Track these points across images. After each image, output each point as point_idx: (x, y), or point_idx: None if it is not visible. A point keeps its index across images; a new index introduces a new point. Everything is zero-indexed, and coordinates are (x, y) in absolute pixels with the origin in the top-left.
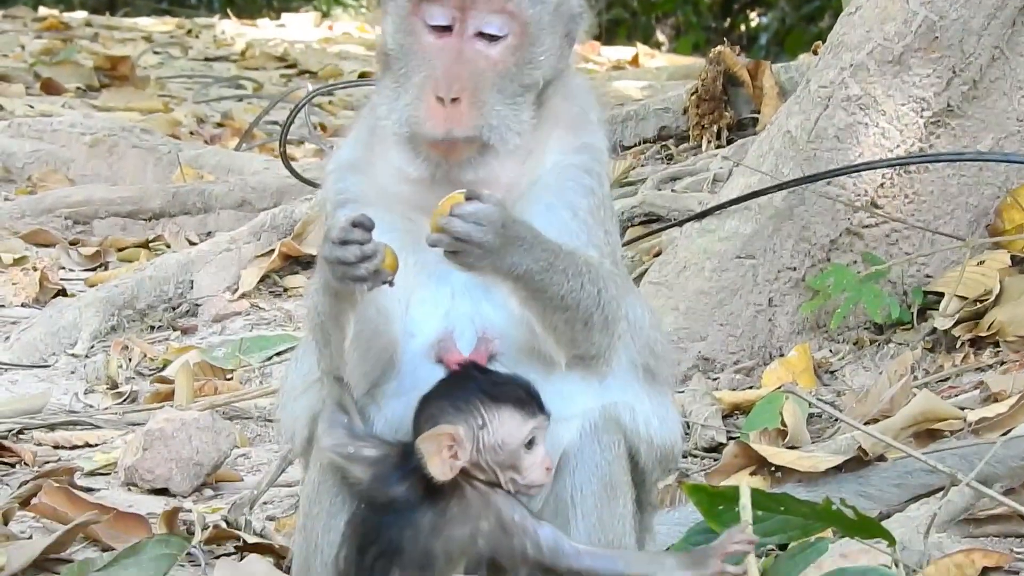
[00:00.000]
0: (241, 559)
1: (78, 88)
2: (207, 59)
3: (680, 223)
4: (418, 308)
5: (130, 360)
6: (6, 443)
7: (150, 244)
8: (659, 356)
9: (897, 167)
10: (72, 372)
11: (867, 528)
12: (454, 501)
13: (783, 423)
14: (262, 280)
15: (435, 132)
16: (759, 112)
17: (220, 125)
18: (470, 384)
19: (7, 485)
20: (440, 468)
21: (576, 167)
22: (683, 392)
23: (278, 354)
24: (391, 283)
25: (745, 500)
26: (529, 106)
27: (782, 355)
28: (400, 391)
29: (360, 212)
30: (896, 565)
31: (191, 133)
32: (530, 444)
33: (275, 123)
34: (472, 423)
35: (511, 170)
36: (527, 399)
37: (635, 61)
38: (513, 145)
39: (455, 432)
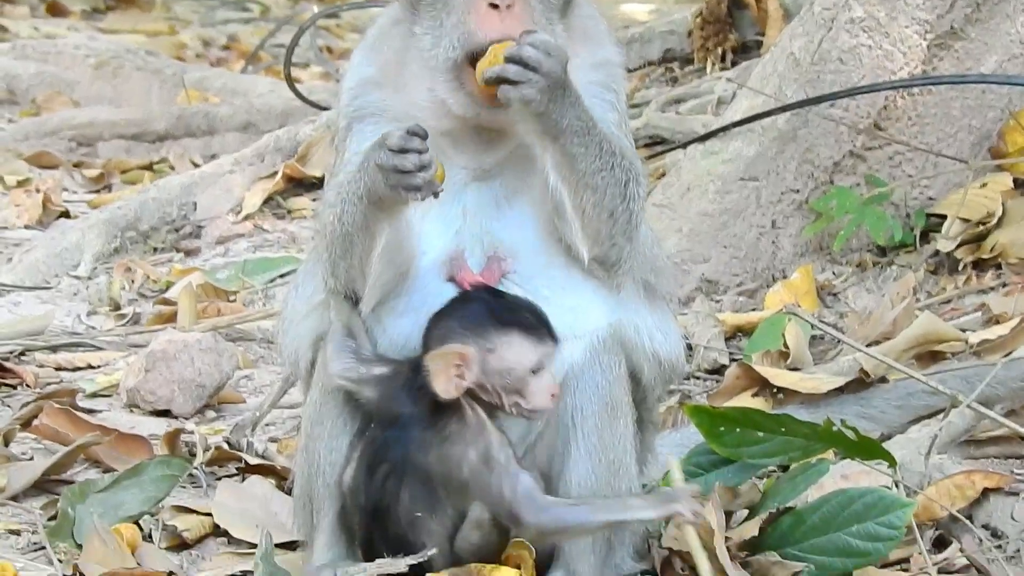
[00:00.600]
0: (243, 480)
1: (83, 10)
2: None
3: (684, 145)
4: (430, 226)
5: (133, 282)
6: (8, 364)
7: (154, 166)
8: (659, 272)
9: (900, 89)
10: (75, 294)
11: (868, 449)
12: (453, 421)
13: (785, 345)
14: (266, 202)
15: (492, 35)
16: (763, 35)
17: (226, 48)
18: (482, 307)
19: (8, 406)
20: (445, 386)
21: (596, 84)
22: (686, 314)
23: (281, 276)
24: (438, 195)
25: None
26: (559, 20)
27: (785, 277)
28: (409, 309)
29: (378, 127)
30: (897, 486)
31: (196, 56)
32: (537, 370)
33: (281, 46)
34: (481, 345)
35: None
36: (537, 325)
37: None
38: None
39: (463, 352)
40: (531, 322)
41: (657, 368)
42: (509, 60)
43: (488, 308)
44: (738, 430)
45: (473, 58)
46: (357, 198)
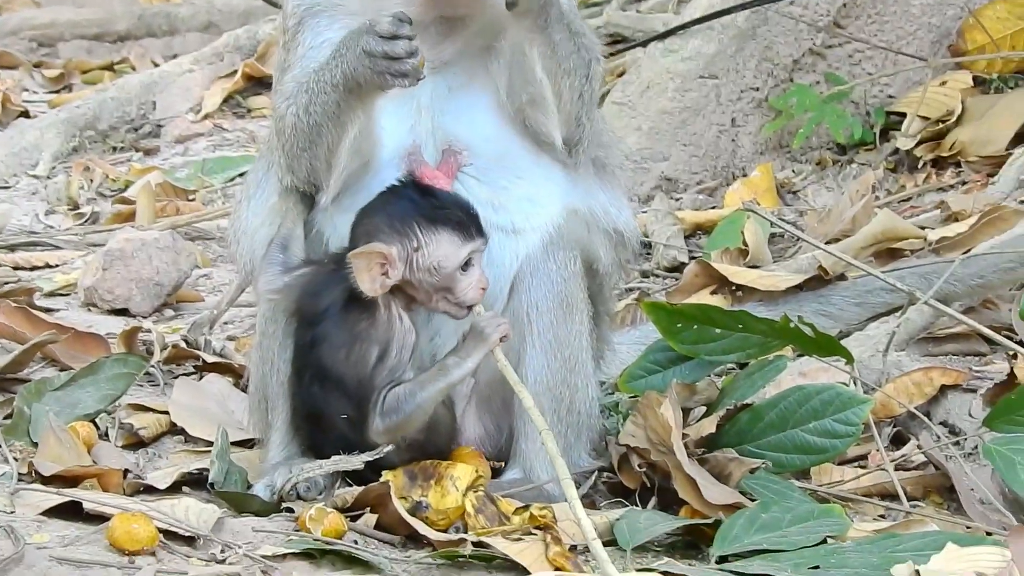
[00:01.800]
0: (200, 378)
1: None
2: None
3: (644, 43)
4: (385, 121)
5: (91, 181)
6: None
7: (115, 67)
8: (607, 146)
9: None
10: (33, 193)
11: (825, 346)
12: (365, 318)
13: (744, 243)
14: (225, 101)
15: None
16: None
17: None
18: (409, 204)
19: None
20: (369, 285)
21: None
22: (646, 212)
23: (240, 175)
24: (419, 81)
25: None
26: None
27: (744, 175)
28: (362, 205)
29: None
30: (854, 383)
31: None
32: (466, 266)
33: None
34: (407, 244)
35: None
36: (466, 222)
37: None
38: None
39: (387, 252)
40: (459, 219)
41: (613, 249)
42: None
43: (415, 205)
44: (695, 327)
45: None
46: (331, 87)
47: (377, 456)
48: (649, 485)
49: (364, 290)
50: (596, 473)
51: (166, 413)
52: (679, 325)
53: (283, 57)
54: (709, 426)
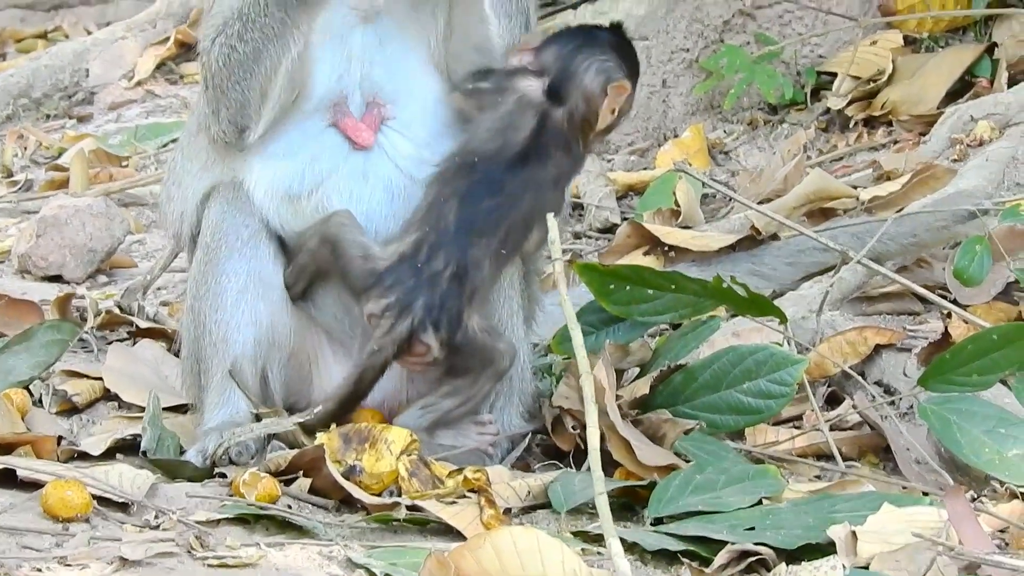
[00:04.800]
0: (134, 344)
1: None
2: None
3: (574, 6)
4: (316, 67)
5: (25, 149)
6: None
7: (49, 35)
8: None
9: None
10: None
11: (758, 306)
12: (561, 153)
13: (676, 203)
14: (158, 67)
15: None
16: None
17: None
18: (632, 51)
19: None
20: (604, 115)
21: None
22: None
23: (173, 141)
24: None
25: None
26: None
27: (676, 136)
28: (288, 152)
29: None
30: (788, 343)
31: None
32: None
33: None
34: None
35: None
36: None
37: None
38: None
39: (629, 89)
40: None
41: None
42: None
43: (631, 53)
44: (628, 288)
45: None
46: (275, 5)
47: (307, 417)
48: (583, 447)
49: (598, 121)
50: (530, 435)
51: (100, 379)
52: (611, 286)
53: (210, 3)
54: (643, 387)
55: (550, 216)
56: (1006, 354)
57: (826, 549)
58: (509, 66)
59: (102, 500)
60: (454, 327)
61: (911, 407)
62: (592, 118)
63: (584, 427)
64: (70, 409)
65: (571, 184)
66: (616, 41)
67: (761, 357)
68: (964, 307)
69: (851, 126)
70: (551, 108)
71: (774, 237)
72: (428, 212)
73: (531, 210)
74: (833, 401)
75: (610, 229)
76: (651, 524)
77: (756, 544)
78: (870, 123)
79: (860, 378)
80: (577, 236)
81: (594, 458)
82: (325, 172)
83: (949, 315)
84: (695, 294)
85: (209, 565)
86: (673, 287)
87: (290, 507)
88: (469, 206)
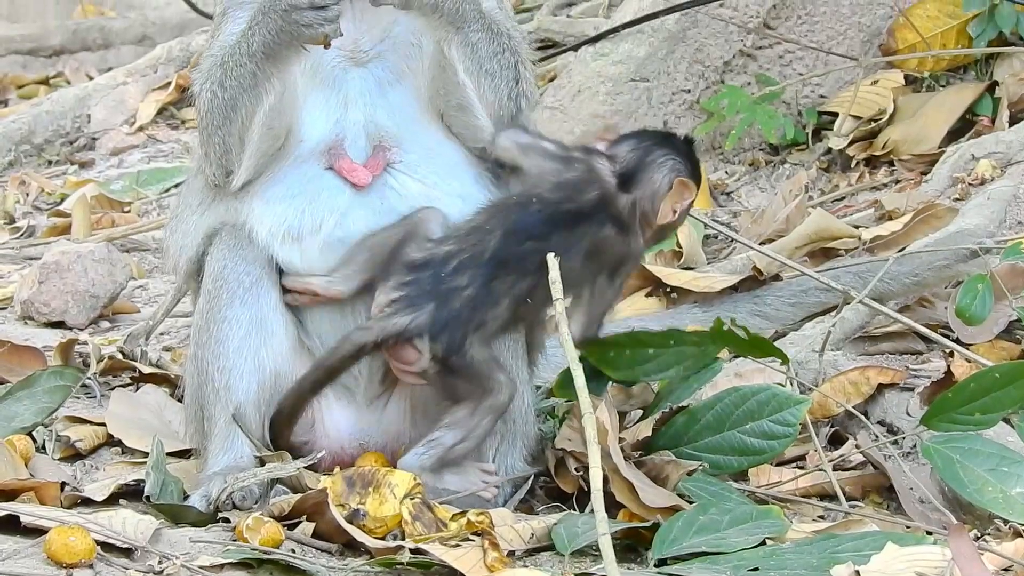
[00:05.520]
0: (137, 390)
1: None
2: None
3: (575, 48)
4: (309, 114)
5: (27, 195)
6: None
7: (50, 81)
8: None
9: None
10: None
11: (760, 348)
12: (621, 237)
13: (679, 244)
14: (159, 112)
15: None
16: None
17: None
18: (692, 155)
19: None
20: (665, 210)
21: None
22: None
23: (175, 186)
24: (329, 46)
25: None
26: None
27: None
28: (286, 195)
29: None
30: (791, 383)
31: None
32: None
33: None
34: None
35: None
36: None
37: None
38: None
39: (692, 192)
40: None
41: None
42: None
43: (693, 161)
44: (628, 352)
45: None
46: (248, 56)
47: (311, 462)
48: (586, 489)
49: (658, 213)
50: (532, 478)
51: (103, 425)
52: (612, 354)
53: (208, 43)
54: (645, 429)
55: (550, 256)
56: (1008, 392)
57: None
58: (584, 144)
59: (106, 546)
60: (452, 348)
61: (914, 446)
62: (654, 211)
63: (587, 468)
64: (74, 455)
65: (625, 278)
66: (688, 150)
67: (763, 398)
68: (967, 346)
69: (852, 166)
70: (617, 192)
71: (776, 277)
72: (469, 233)
73: (566, 272)
74: (836, 441)
75: None
76: (655, 565)
77: None
78: (871, 163)
79: (863, 417)
80: None
81: (597, 499)
82: (329, 211)
83: (951, 354)
84: (695, 344)
85: None
86: (672, 342)
87: (294, 551)
88: (510, 241)
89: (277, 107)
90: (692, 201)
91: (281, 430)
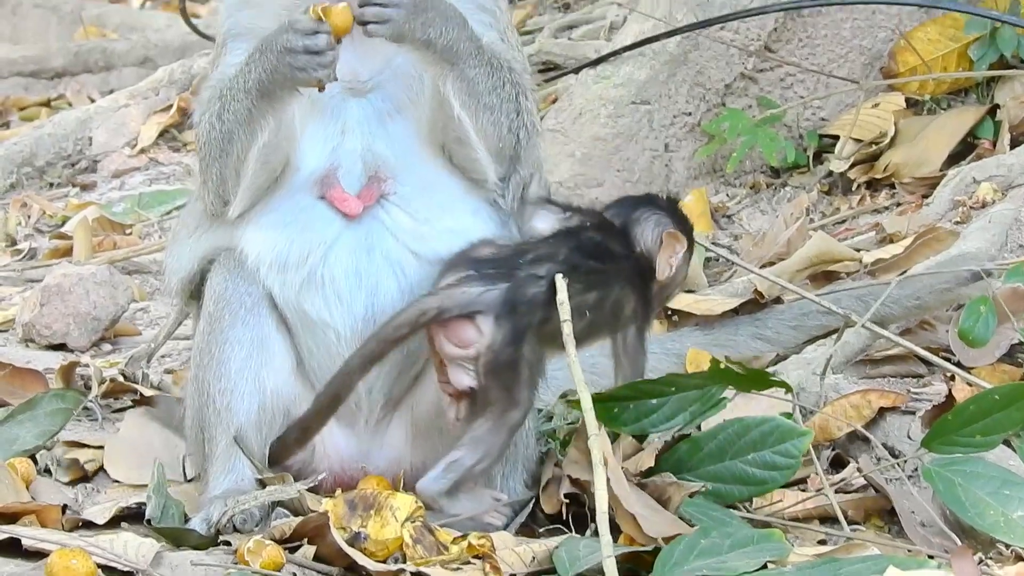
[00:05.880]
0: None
1: None
2: None
3: (576, 70)
4: (306, 142)
5: (29, 217)
6: None
7: (52, 103)
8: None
9: (790, 11)
10: None
11: (760, 381)
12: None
13: None
14: (161, 135)
15: None
16: None
17: None
18: (681, 215)
19: None
20: (663, 265)
21: (467, 4)
22: None
23: (177, 208)
24: (323, 89)
25: None
26: None
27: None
28: (281, 223)
29: (251, 44)
30: (794, 409)
31: None
32: None
33: None
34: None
35: None
36: None
37: None
38: None
39: (684, 244)
40: None
41: None
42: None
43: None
44: (631, 406)
45: None
46: (244, 92)
47: (312, 484)
48: (585, 512)
49: (658, 269)
50: (533, 501)
51: (102, 448)
52: (615, 410)
53: (209, 72)
54: (648, 458)
55: (558, 277)
56: (1008, 414)
57: None
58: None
59: (107, 569)
60: (515, 336)
61: (916, 470)
62: (652, 267)
63: (584, 492)
64: (76, 478)
65: (646, 337)
66: (671, 206)
67: (767, 428)
68: (968, 369)
69: (854, 189)
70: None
71: (778, 300)
72: (540, 243)
73: (616, 307)
74: (837, 464)
75: None
76: None
77: None
78: (873, 185)
79: (870, 436)
80: None
81: (602, 521)
82: (316, 243)
83: (953, 377)
84: (696, 388)
85: None
86: (673, 389)
87: (295, 574)
88: (579, 253)
89: (272, 143)
90: (687, 253)
91: (319, 420)
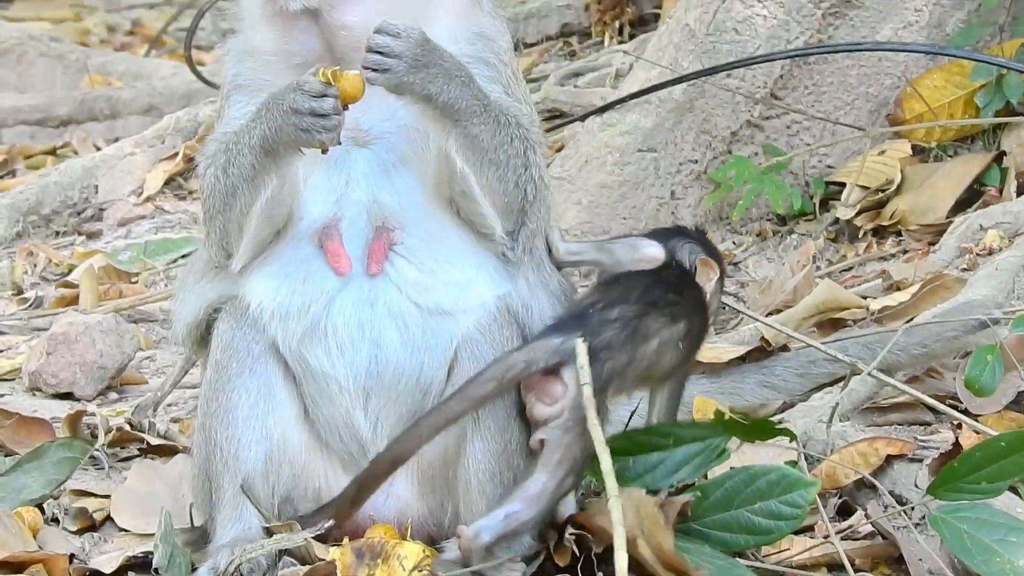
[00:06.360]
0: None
1: None
2: None
3: (582, 118)
4: (309, 192)
5: (35, 266)
6: None
7: (58, 151)
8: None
9: (796, 58)
10: None
11: (764, 431)
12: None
13: None
14: (167, 183)
15: (295, 5)
16: (660, 7)
17: (130, 33)
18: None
19: None
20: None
21: (470, 57)
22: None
23: (183, 256)
24: (327, 151)
25: None
26: None
27: None
28: (283, 273)
29: (254, 97)
30: (800, 457)
31: (101, 42)
32: None
33: (185, 30)
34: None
35: None
36: None
37: None
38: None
39: (715, 267)
40: None
41: None
42: (368, 48)
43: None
44: (632, 462)
45: None
46: (248, 148)
47: (318, 532)
48: (594, 558)
49: (703, 282)
50: (544, 554)
51: (109, 497)
52: (618, 466)
53: (214, 125)
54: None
55: (578, 341)
56: (1014, 460)
57: None
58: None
59: None
60: (609, 378)
61: (923, 517)
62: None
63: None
64: (82, 527)
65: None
66: (700, 236)
67: (773, 478)
68: (975, 417)
69: (860, 236)
70: None
71: (784, 348)
72: (607, 290)
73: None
74: (845, 512)
75: None
76: None
77: None
78: (879, 233)
79: (875, 482)
80: None
81: None
82: (318, 294)
83: (960, 425)
84: (699, 439)
85: None
86: (672, 440)
87: None
88: (653, 291)
89: (276, 198)
90: (719, 281)
91: (376, 482)
